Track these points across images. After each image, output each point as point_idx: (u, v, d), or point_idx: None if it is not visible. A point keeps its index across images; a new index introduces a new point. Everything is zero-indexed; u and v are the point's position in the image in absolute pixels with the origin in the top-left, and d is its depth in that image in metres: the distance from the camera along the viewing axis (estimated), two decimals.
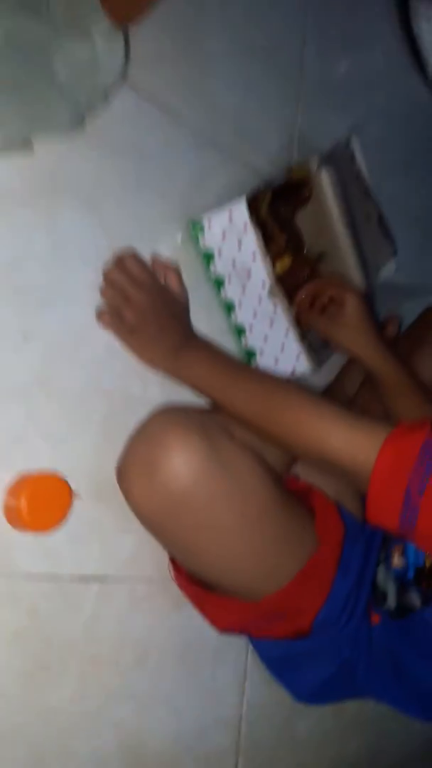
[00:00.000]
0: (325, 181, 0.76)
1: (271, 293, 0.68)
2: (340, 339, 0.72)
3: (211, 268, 0.72)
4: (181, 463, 0.52)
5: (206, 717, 0.66)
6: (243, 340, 0.75)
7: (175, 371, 0.64)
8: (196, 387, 0.63)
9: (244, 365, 0.67)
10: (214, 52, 0.77)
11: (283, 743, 0.72)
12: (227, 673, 0.68)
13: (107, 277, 0.63)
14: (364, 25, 1.05)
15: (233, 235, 0.68)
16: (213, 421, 0.59)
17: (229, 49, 0.80)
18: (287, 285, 0.73)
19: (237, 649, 0.69)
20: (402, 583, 0.59)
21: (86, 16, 0.53)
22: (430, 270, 1.11)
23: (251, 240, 0.66)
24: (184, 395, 0.65)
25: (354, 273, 0.80)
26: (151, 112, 0.70)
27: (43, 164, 0.58)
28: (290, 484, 0.66)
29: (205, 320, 0.72)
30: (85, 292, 0.62)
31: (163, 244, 0.69)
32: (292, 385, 0.58)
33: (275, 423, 0.55)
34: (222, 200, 0.74)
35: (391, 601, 0.59)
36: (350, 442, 0.50)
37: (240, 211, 0.66)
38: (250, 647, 0.69)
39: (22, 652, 0.54)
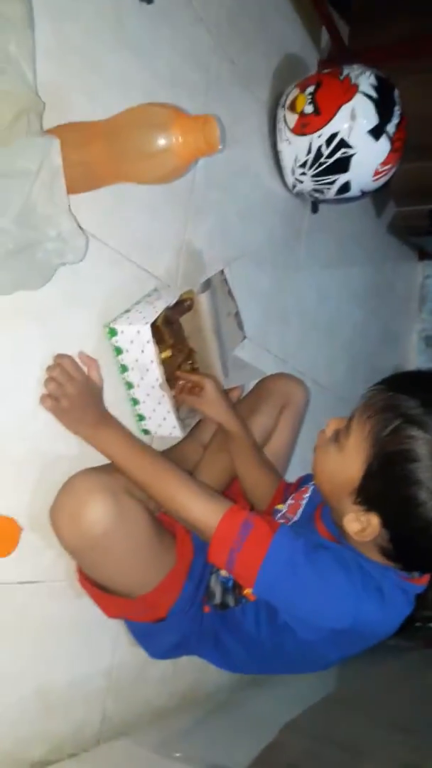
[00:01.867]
0: (203, 302, 1.08)
1: (161, 387, 0.99)
2: (204, 410, 1.05)
3: (119, 357, 1.00)
4: (97, 515, 0.80)
5: (90, 666, 0.98)
6: (137, 407, 1.04)
7: (92, 440, 0.91)
8: (105, 453, 0.91)
9: (143, 443, 0.93)
10: (129, 187, 1.03)
11: (139, 683, 1.06)
12: (106, 638, 1.00)
13: (49, 374, 0.89)
14: (242, 153, 1.36)
15: (138, 344, 0.96)
16: (116, 480, 0.88)
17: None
18: (169, 367, 1.04)
19: (114, 623, 1.01)
20: (225, 587, 0.94)
21: (58, 218, 0.78)
22: (267, 341, 1.47)
23: (151, 351, 0.95)
24: (97, 456, 0.94)
25: (216, 363, 1.13)
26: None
27: (10, 296, 0.83)
28: (162, 518, 0.97)
29: (113, 392, 1.00)
30: (33, 384, 0.88)
31: (87, 343, 0.96)
32: (172, 466, 0.87)
33: (158, 492, 0.85)
34: (129, 300, 1.03)
35: (217, 599, 0.94)
36: (202, 513, 0.80)
37: (145, 330, 0.94)
38: (123, 623, 1.02)
39: None
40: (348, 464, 0.75)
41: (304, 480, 1.06)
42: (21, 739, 0.86)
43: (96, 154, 0.83)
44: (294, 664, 0.96)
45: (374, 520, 0.74)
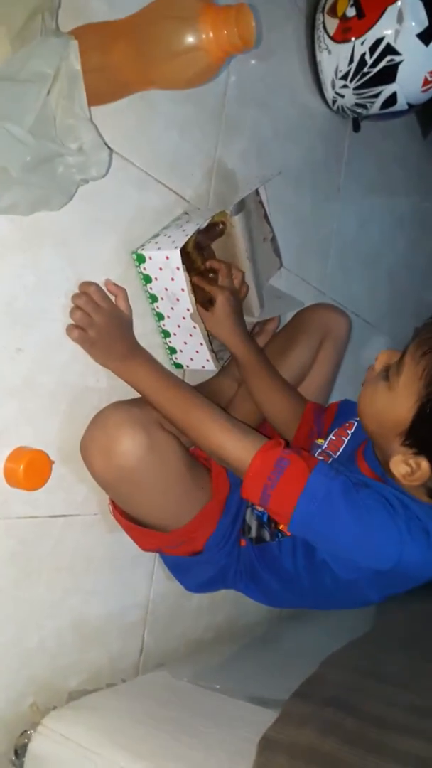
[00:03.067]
0: (236, 225, 1.01)
1: (192, 318, 0.93)
2: (211, 327, 0.97)
3: (148, 286, 0.94)
4: (129, 448, 0.77)
5: (126, 598, 0.97)
6: (167, 340, 1.00)
7: (122, 373, 0.88)
8: (135, 386, 0.88)
9: (175, 377, 0.89)
10: (157, 101, 0.96)
11: (175, 616, 1.06)
12: (141, 572, 0.99)
13: (75, 302, 0.84)
14: (278, 65, 1.25)
15: (168, 271, 0.90)
16: (147, 414, 0.84)
17: (168, 95, 0.98)
18: (200, 296, 0.98)
19: (149, 557, 1.00)
20: (261, 521, 0.91)
21: (79, 129, 0.72)
22: (305, 271, 1.39)
23: (181, 279, 0.89)
24: (127, 389, 0.90)
25: (252, 292, 1.07)
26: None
27: (31, 218, 0.78)
28: (197, 452, 0.94)
29: (142, 323, 0.96)
30: (59, 313, 0.84)
31: (114, 270, 0.91)
32: (205, 401, 0.83)
33: (190, 427, 0.81)
34: (157, 225, 0.97)
35: (253, 533, 0.91)
36: (236, 449, 0.76)
37: (174, 256, 0.88)
38: (158, 557, 1.01)
39: (13, 566, 0.81)
40: (398, 403, 0.70)
41: (342, 408, 1.00)
42: (59, 669, 0.87)
43: (119, 57, 0.75)
44: (333, 601, 0.94)
45: (424, 464, 0.70)
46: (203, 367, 1.00)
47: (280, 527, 0.88)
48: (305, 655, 1.12)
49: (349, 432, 0.93)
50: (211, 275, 0.99)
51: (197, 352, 0.98)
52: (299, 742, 0.77)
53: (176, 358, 1.01)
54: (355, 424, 0.93)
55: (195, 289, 0.94)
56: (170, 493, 0.85)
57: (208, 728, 0.82)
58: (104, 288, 0.88)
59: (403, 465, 0.71)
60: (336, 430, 0.96)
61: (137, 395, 0.89)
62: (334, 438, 0.94)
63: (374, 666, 1.09)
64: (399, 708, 0.91)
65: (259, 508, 0.92)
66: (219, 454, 0.79)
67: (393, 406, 0.72)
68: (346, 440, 0.92)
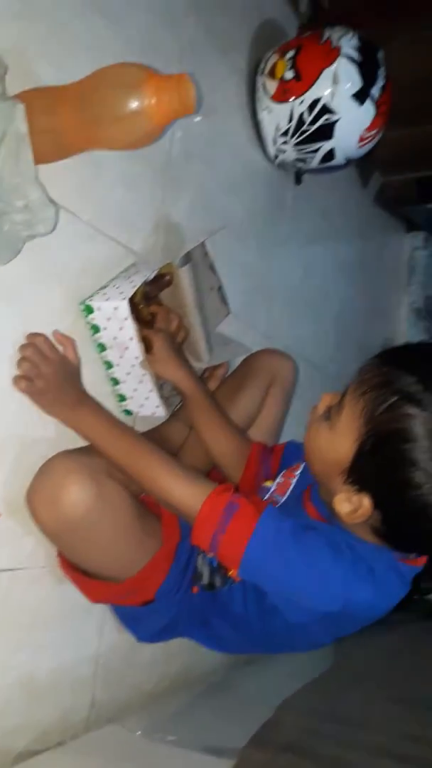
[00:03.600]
0: (183, 276, 1.04)
1: (142, 365, 0.95)
2: (156, 370, 0.98)
3: (97, 336, 0.96)
4: (77, 498, 0.77)
5: (75, 652, 0.96)
6: (117, 387, 1.01)
7: (70, 422, 0.88)
8: (84, 435, 0.88)
9: (123, 424, 0.89)
10: (104, 158, 0.99)
11: (127, 668, 1.04)
12: (91, 624, 0.98)
13: (22, 353, 0.85)
14: (221, 123, 1.32)
15: (116, 321, 0.92)
16: (96, 462, 0.84)
17: (114, 152, 1.01)
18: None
19: (99, 609, 0.98)
20: (212, 567, 0.92)
21: (25, 188, 0.74)
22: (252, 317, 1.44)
23: (130, 328, 0.91)
24: (75, 438, 0.91)
25: (199, 339, 1.10)
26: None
27: None
28: (147, 499, 0.94)
29: (91, 372, 0.96)
30: (6, 363, 0.85)
31: (62, 321, 0.93)
32: (153, 447, 0.84)
33: (139, 474, 0.82)
34: (106, 277, 0.99)
35: (205, 579, 0.91)
36: (185, 496, 0.77)
37: (123, 306, 0.90)
38: (108, 608, 0.99)
39: None
40: (340, 442, 0.72)
41: (287, 448, 1.02)
42: (5, 730, 0.84)
43: (65, 119, 0.78)
44: (285, 645, 0.94)
45: (366, 501, 0.71)
46: (153, 413, 1.01)
47: (230, 573, 0.89)
48: (263, 700, 1.11)
49: (297, 473, 0.95)
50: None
51: (147, 398, 0.99)
52: None
53: (126, 405, 1.03)
54: (302, 465, 0.95)
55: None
56: (120, 542, 0.84)
57: None
58: (52, 338, 0.89)
59: (346, 503, 0.72)
60: (284, 471, 0.97)
61: (86, 444, 0.90)
62: (281, 480, 0.96)
63: (331, 706, 1.09)
64: (356, 749, 0.92)
65: (211, 555, 0.92)
66: (168, 500, 0.80)
67: (335, 445, 0.73)
68: (294, 482, 0.94)
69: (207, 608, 0.91)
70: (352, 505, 0.72)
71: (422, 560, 0.78)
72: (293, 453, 1.00)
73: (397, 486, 0.67)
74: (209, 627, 0.93)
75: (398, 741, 0.93)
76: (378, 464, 0.68)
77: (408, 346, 0.78)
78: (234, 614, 0.89)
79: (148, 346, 0.97)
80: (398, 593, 0.77)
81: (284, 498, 0.92)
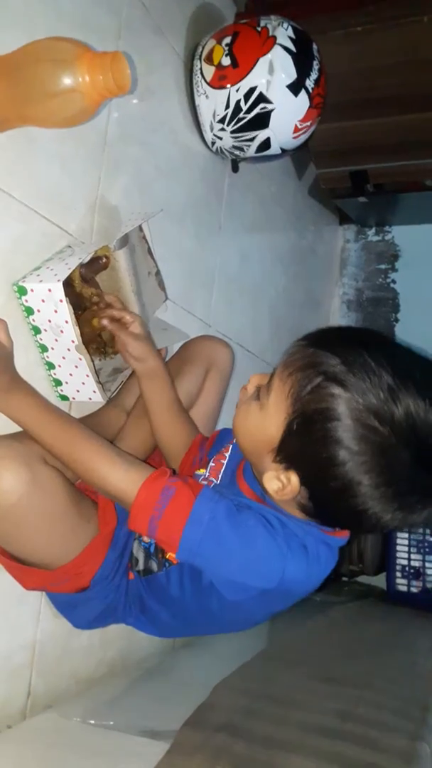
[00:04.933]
0: (120, 259, 1.03)
1: (77, 349, 0.93)
2: (129, 344, 0.97)
3: (31, 318, 0.94)
4: (10, 484, 0.75)
5: (10, 641, 0.94)
6: (52, 372, 0.99)
7: (3, 407, 0.85)
8: (17, 420, 0.85)
9: (58, 410, 0.87)
10: (38, 136, 0.97)
11: (64, 655, 1.03)
12: (27, 612, 0.96)
13: None
14: (158, 106, 1.30)
15: (50, 303, 0.90)
16: (30, 448, 0.83)
17: (48, 130, 0.99)
18: (86, 327, 0.99)
19: (35, 596, 0.97)
20: (148, 553, 0.92)
21: None
22: (190, 304, 1.44)
23: (65, 311, 0.89)
24: (9, 423, 0.88)
25: None
26: None
27: None
28: (82, 487, 0.93)
29: (25, 356, 0.94)
30: None
31: None
32: (89, 433, 0.83)
33: (74, 461, 0.81)
34: (39, 257, 0.96)
35: (141, 565, 0.91)
36: (121, 481, 0.77)
37: (57, 288, 0.88)
38: (44, 595, 0.98)
39: None
40: (268, 422, 0.74)
41: (220, 435, 1.04)
42: None
43: None
44: (220, 625, 0.96)
45: (294, 479, 0.73)
46: (90, 398, 1.00)
47: (168, 556, 0.89)
48: (199, 683, 1.12)
49: (227, 455, 0.96)
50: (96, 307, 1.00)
51: (83, 383, 0.98)
52: None
53: (62, 390, 1.01)
54: (231, 446, 0.97)
55: (82, 323, 0.95)
56: (54, 529, 0.83)
57: (99, 767, 0.81)
58: None
59: (275, 480, 0.74)
60: (214, 456, 0.99)
61: (19, 429, 0.88)
62: (213, 464, 0.97)
63: (265, 687, 1.12)
64: (289, 727, 0.94)
65: (146, 540, 0.92)
66: (104, 486, 0.79)
67: (264, 424, 0.74)
68: (225, 463, 0.95)
69: (143, 593, 0.92)
70: (280, 483, 0.74)
71: (347, 532, 0.82)
72: (224, 438, 1.02)
73: (323, 463, 0.69)
74: (146, 612, 0.94)
75: (327, 717, 0.96)
76: (304, 442, 0.70)
77: (333, 329, 0.81)
78: (171, 597, 0.89)
79: (126, 323, 0.97)
80: (329, 564, 0.80)
81: (218, 480, 0.93)
